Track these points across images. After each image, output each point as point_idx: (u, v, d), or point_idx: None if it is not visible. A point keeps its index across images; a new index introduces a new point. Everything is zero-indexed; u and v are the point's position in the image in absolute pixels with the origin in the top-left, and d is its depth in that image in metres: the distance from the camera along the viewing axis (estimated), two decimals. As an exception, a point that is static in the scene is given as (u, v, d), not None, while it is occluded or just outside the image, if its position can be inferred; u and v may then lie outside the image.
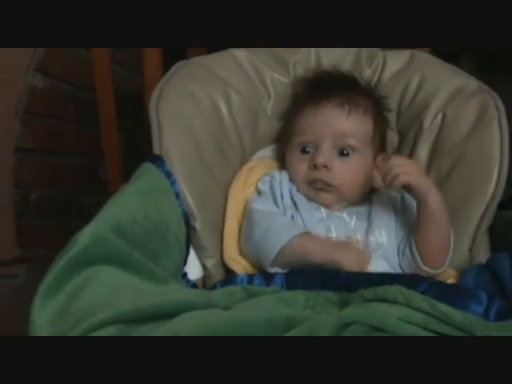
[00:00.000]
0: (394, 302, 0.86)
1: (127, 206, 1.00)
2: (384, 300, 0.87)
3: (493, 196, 1.18)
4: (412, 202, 1.20)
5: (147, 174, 1.09)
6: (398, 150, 1.33)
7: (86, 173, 2.15)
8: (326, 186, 1.18)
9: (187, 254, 1.11)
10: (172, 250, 1.05)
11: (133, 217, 0.99)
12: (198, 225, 1.13)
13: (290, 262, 1.08)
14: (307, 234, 1.11)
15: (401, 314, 0.83)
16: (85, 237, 0.91)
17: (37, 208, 1.96)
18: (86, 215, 2.05)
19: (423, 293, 0.89)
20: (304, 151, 1.21)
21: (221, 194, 1.21)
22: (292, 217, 1.18)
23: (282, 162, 1.29)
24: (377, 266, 1.13)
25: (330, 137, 1.18)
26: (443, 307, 0.84)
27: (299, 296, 0.98)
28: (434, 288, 0.92)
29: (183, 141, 1.16)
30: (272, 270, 1.08)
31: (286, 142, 1.27)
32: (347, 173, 1.19)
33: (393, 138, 1.34)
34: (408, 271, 1.16)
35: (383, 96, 1.30)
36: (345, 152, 1.19)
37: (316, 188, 1.19)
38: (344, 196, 1.20)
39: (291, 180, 1.22)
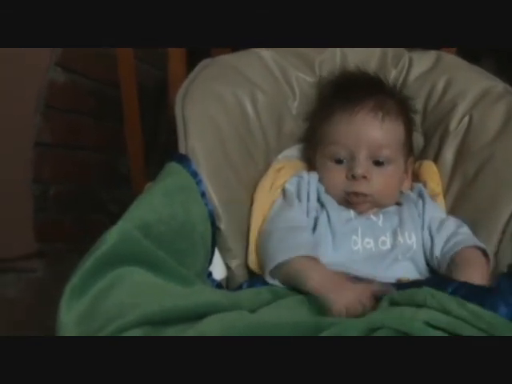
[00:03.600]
0: (422, 304, 0.86)
1: (153, 205, 1.00)
2: (412, 303, 0.87)
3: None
4: (433, 206, 1.21)
5: (173, 173, 1.09)
6: (424, 153, 1.32)
7: (105, 168, 2.15)
8: (363, 198, 1.18)
9: (212, 253, 1.11)
10: (197, 249, 1.04)
11: (159, 216, 0.99)
12: (222, 225, 1.13)
13: (285, 280, 1.06)
14: (313, 259, 1.07)
15: (428, 318, 0.83)
16: (112, 237, 0.91)
17: (56, 203, 1.96)
18: (106, 211, 2.06)
19: (452, 294, 0.90)
20: (338, 161, 1.19)
21: (246, 195, 1.20)
22: (317, 218, 1.17)
23: (309, 163, 1.28)
24: (404, 269, 1.13)
25: (365, 147, 1.17)
26: (472, 306, 0.84)
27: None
28: (463, 289, 0.93)
29: (209, 140, 1.15)
30: (270, 281, 1.07)
31: (313, 148, 1.25)
32: (383, 182, 1.18)
33: (418, 140, 1.32)
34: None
35: (410, 97, 1.29)
36: (380, 161, 1.18)
37: (352, 201, 1.18)
38: (378, 203, 1.20)
39: (323, 184, 1.21)
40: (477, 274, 1.06)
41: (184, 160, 1.11)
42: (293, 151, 1.32)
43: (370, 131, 1.18)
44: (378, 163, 1.18)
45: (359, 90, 1.22)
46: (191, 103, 1.16)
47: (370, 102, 1.20)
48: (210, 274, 1.08)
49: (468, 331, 0.82)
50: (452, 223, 1.19)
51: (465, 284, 0.97)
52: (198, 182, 1.10)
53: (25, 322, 1.70)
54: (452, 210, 1.25)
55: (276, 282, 1.06)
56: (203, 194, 1.10)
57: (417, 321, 0.83)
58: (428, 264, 1.17)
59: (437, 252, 1.15)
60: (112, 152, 2.10)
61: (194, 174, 1.10)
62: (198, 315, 0.85)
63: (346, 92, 1.22)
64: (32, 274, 1.88)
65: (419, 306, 0.87)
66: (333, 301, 0.95)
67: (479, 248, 1.13)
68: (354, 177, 1.17)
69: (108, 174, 2.15)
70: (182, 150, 1.13)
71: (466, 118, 1.26)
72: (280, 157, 1.30)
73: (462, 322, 0.83)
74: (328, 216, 1.17)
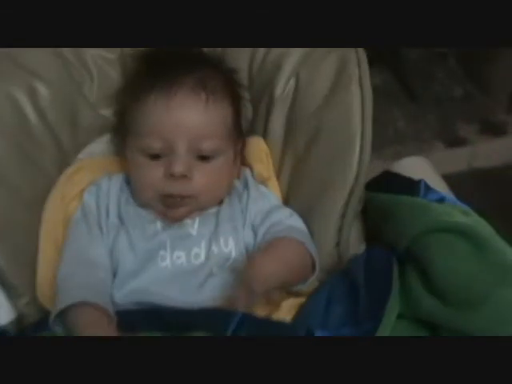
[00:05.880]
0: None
1: None
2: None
3: (357, 175, 0.96)
4: (260, 196, 1.02)
5: None
6: (253, 124, 1.10)
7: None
8: (181, 200, 0.97)
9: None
10: None
11: None
12: (0, 260, 0.94)
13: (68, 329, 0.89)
14: (86, 306, 0.89)
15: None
16: None
17: None
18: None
19: (235, 331, 0.81)
20: (153, 156, 0.96)
21: (30, 215, 1.00)
22: (116, 236, 0.98)
23: (119, 155, 1.06)
24: (220, 284, 0.94)
25: (185, 138, 0.94)
26: None
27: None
28: (247, 325, 0.83)
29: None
30: (53, 328, 0.89)
31: (124, 139, 1.02)
32: (209, 179, 0.97)
33: (246, 109, 1.10)
34: None
35: (234, 69, 1.06)
36: (204, 156, 0.96)
37: (168, 205, 0.97)
38: (201, 205, 0.99)
39: (133, 189, 1.01)
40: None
41: None
42: (96, 146, 1.09)
43: (192, 118, 0.95)
44: (201, 157, 0.96)
45: (176, 64, 0.99)
46: None
47: (190, 79, 0.96)
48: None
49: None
50: (279, 213, 1.01)
51: (250, 319, 0.83)
52: None
53: None
54: (288, 195, 1.05)
55: (59, 330, 0.89)
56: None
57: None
58: None
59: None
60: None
61: None
62: None
63: (160, 67, 0.99)
64: None
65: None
66: None
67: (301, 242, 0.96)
68: (172, 175, 0.95)
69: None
70: None
71: (292, 80, 1.04)
72: (81, 156, 1.08)
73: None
74: (128, 233, 0.98)
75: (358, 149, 0.96)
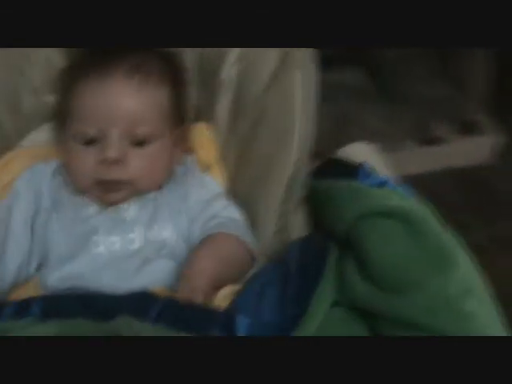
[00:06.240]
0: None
1: None
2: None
3: (297, 161, 0.95)
4: (201, 184, 1.01)
5: None
6: (199, 109, 1.08)
7: None
8: (118, 185, 0.95)
9: None
10: None
11: None
12: None
13: None
14: None
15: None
16: None
17: None
18: None
19: (157, 317, 0.78)
20: (87, 142, 0.94)
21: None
22: (48, 220, 0.96)
23: (59, 142, 1.03)
24: (159, 270, 0.93)
25: (119, 123, 0.92)
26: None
27: (49, 331, 0.78)
28: (169, 311, 0.80)
29: None
30: None
31: (62, 126, 1.00)
32: (144, 165, 0.95)
33: (193, 94, 1.07)
34: None
35: (175, 53, 1.03)
36: (139, 140, 0.94)
37: (105, 190, 0.95)
38: (138, 190, 0.97)
39: (68, 174, 0.98)
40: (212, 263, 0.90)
41: None
42: (39, 134, 1.07)
43: (124, 102, 0.93)
44: (136, 143, 0.94)
45: (113, 49, 0.96)
46: None
47: (124, 63, 0.94)
48: None
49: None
50: (217, 204, 1.00)
51: (172, 305, 0.80)
52: None
53: None
54: (232, 182, 1.03)
55: None
56: None
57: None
58: None
59: (194, 239, 0.96)
60: None
61: None
62: None
63: (95, 51, 0.97)
64: None
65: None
66: None
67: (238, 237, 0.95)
68: (105, 161, 0.93)
69: None
70: None
71: (237, 65, 1.02)
72: (24, 143, 1.06)
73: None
74: (61, 217, 0.96)
75: (297, 134, 0.95)
